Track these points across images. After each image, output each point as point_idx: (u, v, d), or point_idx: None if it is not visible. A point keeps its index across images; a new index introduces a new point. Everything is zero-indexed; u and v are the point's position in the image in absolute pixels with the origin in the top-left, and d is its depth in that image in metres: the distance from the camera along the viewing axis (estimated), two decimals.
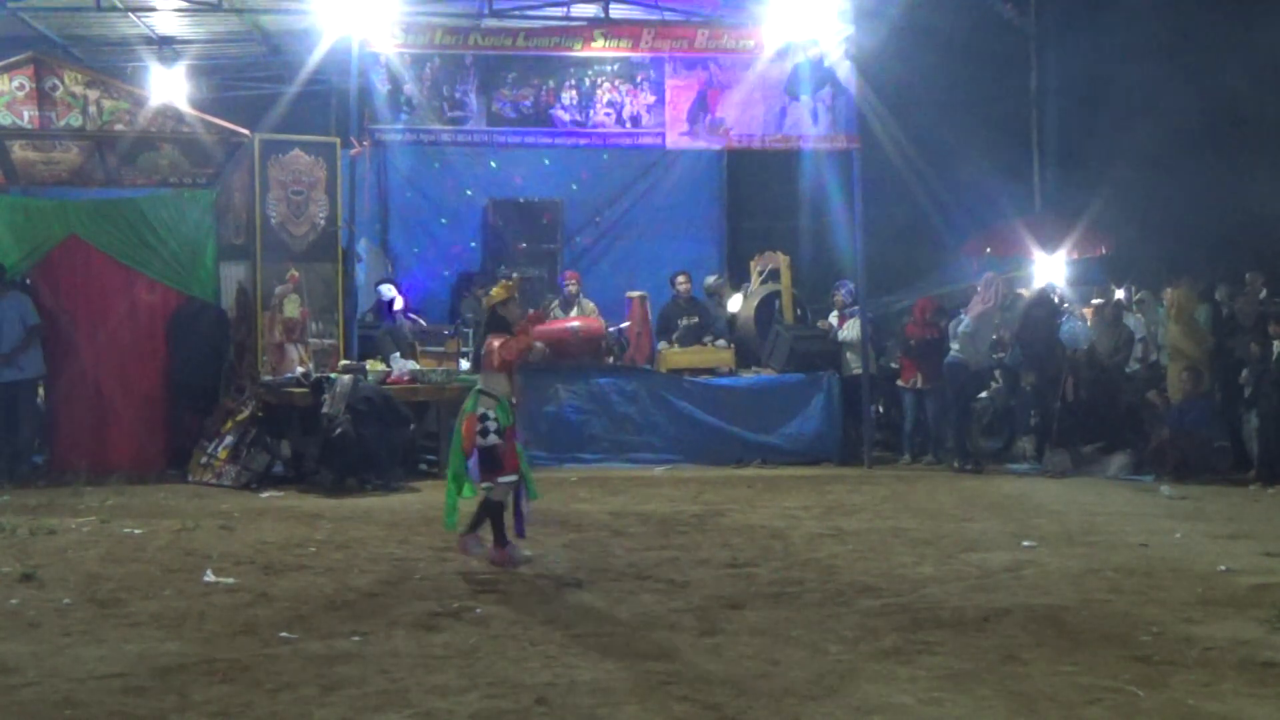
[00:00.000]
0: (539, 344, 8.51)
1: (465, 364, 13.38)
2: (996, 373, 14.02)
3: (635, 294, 14.12)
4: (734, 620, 6.46)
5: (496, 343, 7.82)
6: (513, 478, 7.77)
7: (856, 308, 13.87)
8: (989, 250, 17.64)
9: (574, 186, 15.94)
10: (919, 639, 6.06)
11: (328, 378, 11.49)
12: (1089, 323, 14.17)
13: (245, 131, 12.47)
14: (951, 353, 13.19)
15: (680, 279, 14.15)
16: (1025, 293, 14.74)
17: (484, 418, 7.69)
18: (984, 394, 13.98)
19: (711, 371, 13.54)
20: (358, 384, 11.28)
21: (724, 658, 5.76)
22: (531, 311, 8.74)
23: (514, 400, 7.94)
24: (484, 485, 7.74)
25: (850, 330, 13.73)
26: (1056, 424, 12.81)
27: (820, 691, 5.25)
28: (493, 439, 7.66)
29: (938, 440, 13.73)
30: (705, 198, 16.38)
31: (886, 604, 6.81)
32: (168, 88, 14.55)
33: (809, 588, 7.24)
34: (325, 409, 11.10)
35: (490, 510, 7.80)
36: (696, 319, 14.02)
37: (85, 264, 11.96)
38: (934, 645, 5.95)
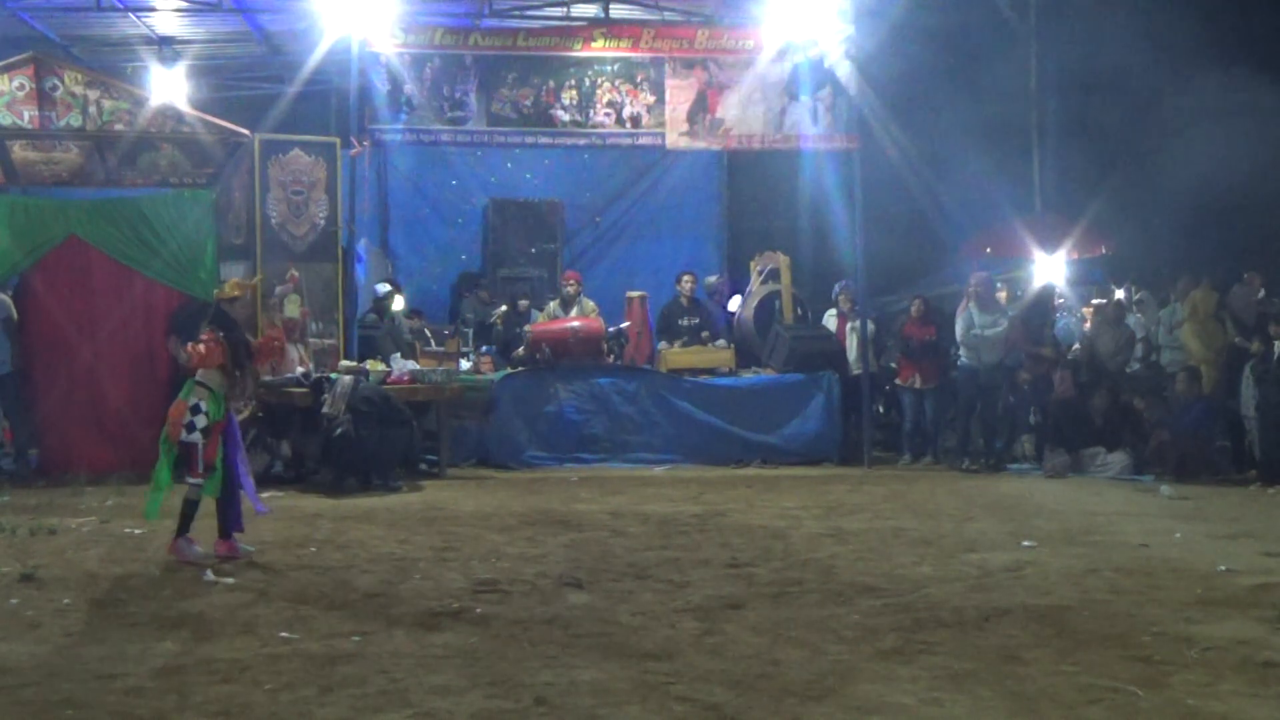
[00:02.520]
0: (215, 364, 7.93)
1: (465, 364, 13.42)
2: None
3: (635, 294, 14.14)
4: (734, 620, 6.45)
5: (202, 346, 7.71)
6: (200, 481, 7.69)
7: (857, 307, 13.90)
8: (989, 250, 17.63)
9: (574, 185, 15.93)
10: (919, 639, 6.06)
11: (328, 378, 11.49)
12: (1088, 322, 14.18)
13: (245, 131, 12.47)
14: (962, 359, 13.22)
15: (685, 279, 14.16)
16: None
17: (195, 409, 7.66)
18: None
19: (711, 371, 13.55)
20: (358, 384, 11.28)
21: (724, 658, 5.75)
22: (263, 339, 8.54)
23: (236, 395, 7.88)
24: (191, 480, 7.71)
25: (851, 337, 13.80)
26: (1049, 420, 12.82)
27: (820, 691, 5.24)
28: (196, 436, 7.64)
29: (937, 440, 13.75)
30: (705, 198, 16.39)
31: (886, 604, 6.81)
32: (168, 88, 14.57)
33: (809, 588, 7.23)
34: (325, 409, 11.11)
35: (187, 506, 7.75)
36: (696, 319, 14.03)
37: (85, 264, 11.96)
38: (934, 645, 5.94)
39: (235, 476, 7.95)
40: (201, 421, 7.66)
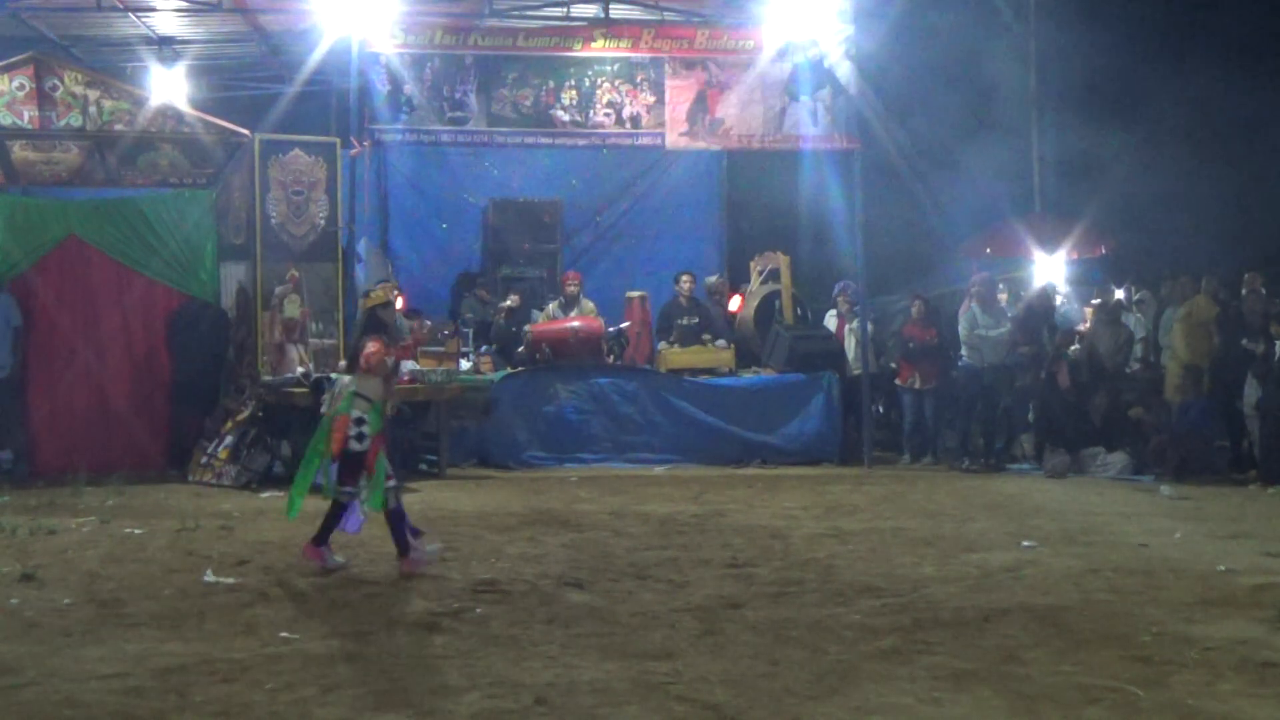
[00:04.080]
0: (392, 362, 8.18)
1: (465, 364, 13.40)
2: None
3: (635, 294, 14.13)
4: (734, 620, 6.45)
5: (371, 346, 7.74)
6: (354, 490, 7.56)
7: (856, 307, 13.90)
8: (989, 250, 17.65)
9: (574, 185, 15.92)
10: (919, 639, 6.06)
11: (328, 378, 11.47)
12: (1088, 321, 14.17)
13: (245, 131, 12.47)
14: (964, 359, 13.22)
15: (684, 279, 14.15)
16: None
17: (359, 421, 7.57)
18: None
19: (711, 371, 13.54)
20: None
21: (724, 658, 5.75)
22: (409, 340, 8.52)
23: (387, 405, 7.84)
24: (345, 490, 7.57)
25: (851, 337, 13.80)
26: (1045, 417, 12.81)
27: (820, 691, 5.25)
28: (365, 444, 7.54)
29: (937, 440, 13.75)
30: (705, 198, 16.36)
31: (886, 604, 6.81)
32: (168, 88, 14.55)
33: (809, 588, 7.24)
34: (323, 409, 11.08)
35: (337, 511, 7.60)
36: (696, 319, 14.02)
37: (85, 264, 11.96)
38: (934, 645, 5.95)
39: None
40: (366, 432, 7.58)
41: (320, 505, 7.71)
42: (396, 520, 7.58)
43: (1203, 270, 13.59)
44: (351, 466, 7.56)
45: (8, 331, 11.58)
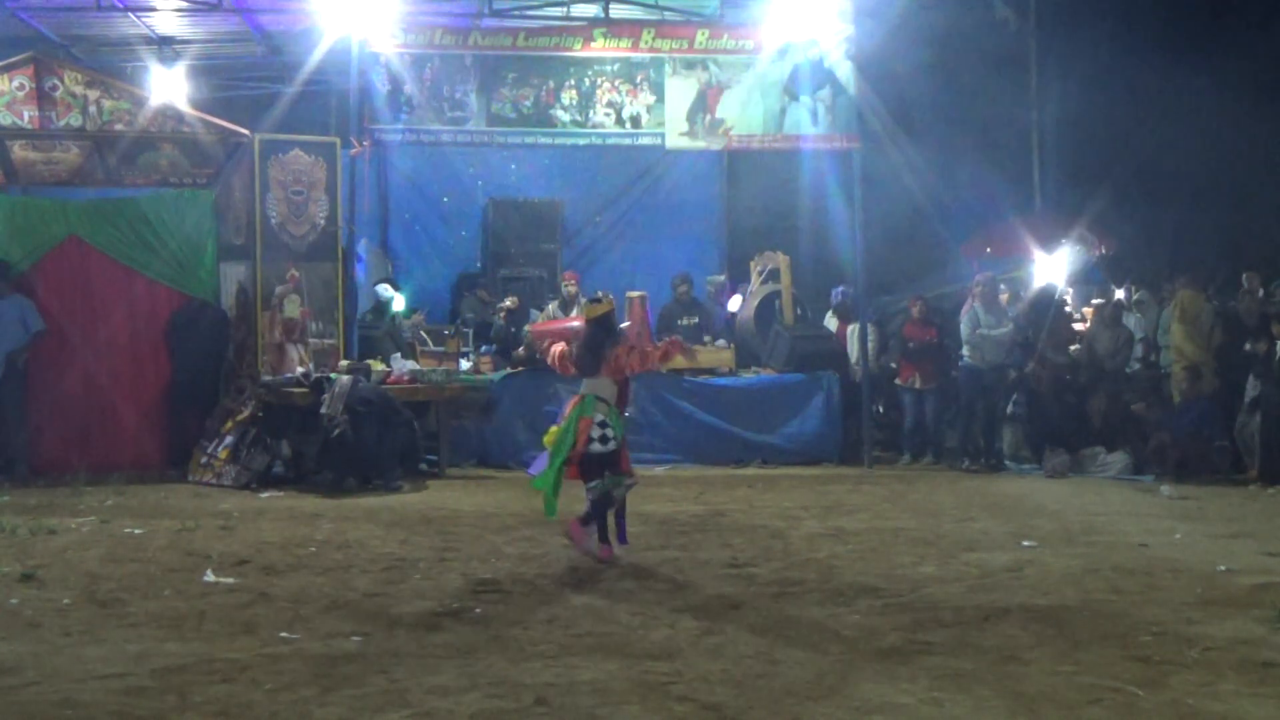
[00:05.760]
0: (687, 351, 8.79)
1: (465, 364, 13.41)
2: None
3: (635, 294, 14.10)
4: (734, 620, 6.46)
5: (624, 351, 8.01)
6: (632, 480, 8.11)
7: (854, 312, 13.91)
8: (989, 250, 17.65)
9: (574, 185, 15.92)
10: (919, 639, 6.06)
11: (328, 378, 11.49)
12: (1088, 322, 14.19)
13: (245, 131, 12.46)
14: (964, 358, 13.23)
15: (680, 287, 14.14)
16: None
17: (602, 424, 7.87)
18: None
19: (711, 371, 13.54)
20: (357, 384, 11.28)
21: (724, 658, 5.75)
22: (669, 341, 8.78)
23: (625, 408, 8.17)
24: (592, 484, 7.90)
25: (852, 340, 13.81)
26: (1035, 413, 12.84)
27: (820, 691, 5.25)
28: (612, 445, 7.89)
29: (938, 440, 13.75)
30: (705, 198, 16.35)
31: (886, 604, 6.81)
32: (168, 88, 14.54)
33: (809, 588, 7.24)
34: (324, 409, 11.11)
35: (604, 505, 7.95)
36: (696, 319, 14.02)
37: (85, 264, 11.94)
38: (934, 645, 5.95)
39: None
40: (610, 434, 7.88)
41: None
42: (620, 513, 8.06)
43: (1192, 270, 13.61)
44: (592, 466, 7.90)
45: (24, 336, 11.55)
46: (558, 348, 8.29)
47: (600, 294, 9.19)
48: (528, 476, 8.77)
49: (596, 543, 7.96)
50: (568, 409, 8.10)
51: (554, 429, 8.10)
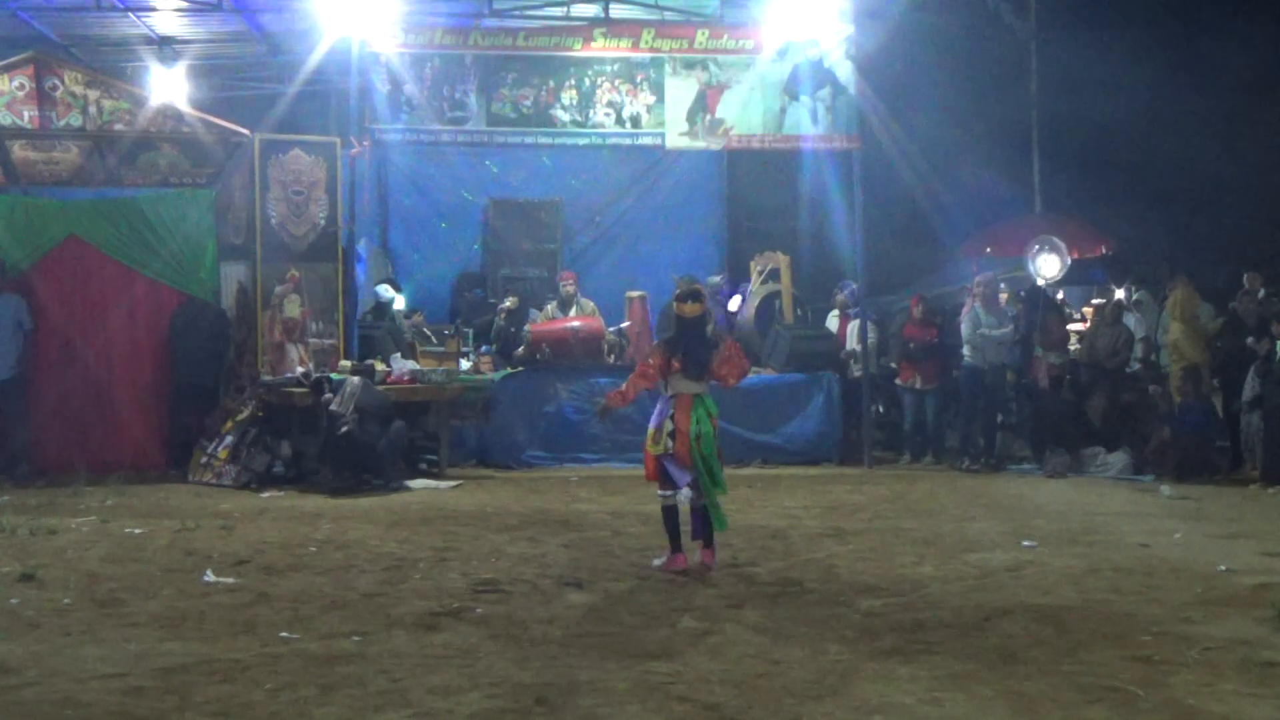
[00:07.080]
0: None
1: (465, 364, 13.40)
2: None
3: (635, 294, 14.12)
4: (734, 620, 6.46)
5: (735, 352, 8.06)
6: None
7: (858, 309, 13.88)
8: (989, 250, 17.64)
9: (574, 185, 15.92)
10: (919, 639, 6.06)
11: (328, 377, 11.48)
12: (1089, 322, 14.18)
13: (245, 131, 12.47)
14: (965, 358, 13.22)
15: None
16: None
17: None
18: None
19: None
20: (368, 386, 11.26)
21: (724, 658, 5.75)
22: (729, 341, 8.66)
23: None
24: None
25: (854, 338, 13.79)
26: (1034, 413, 12.83)
27: (820, 691, 5.25)
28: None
29: (938, 440, 13.75)
30: (705, 198, 16.35)
31: (886, 604, 6.81)
32: (168, 88, 14.55)
33: (809, 588, 7.24)
34: (334, 407, 11.07)
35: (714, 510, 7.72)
36: None
37: (85, 264, 11.95)
38: (934, 645, 5.95)
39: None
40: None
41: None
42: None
43: (1202, 270, 13.62)
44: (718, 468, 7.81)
45: (18, 335, 11.56)
46: (655, 359, 7.96)
47: (688, 285, 8.65)
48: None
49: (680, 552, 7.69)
50: (677, 414, 7.72)
51: (652, 431, 7.81)
